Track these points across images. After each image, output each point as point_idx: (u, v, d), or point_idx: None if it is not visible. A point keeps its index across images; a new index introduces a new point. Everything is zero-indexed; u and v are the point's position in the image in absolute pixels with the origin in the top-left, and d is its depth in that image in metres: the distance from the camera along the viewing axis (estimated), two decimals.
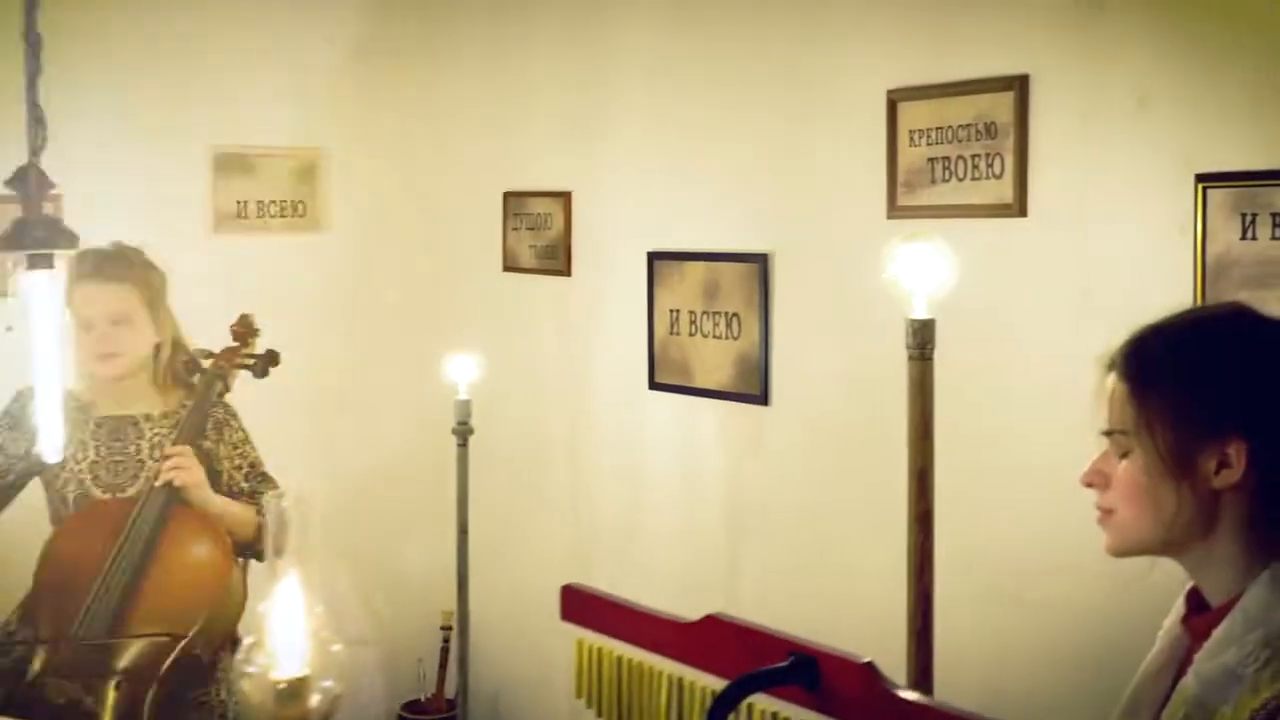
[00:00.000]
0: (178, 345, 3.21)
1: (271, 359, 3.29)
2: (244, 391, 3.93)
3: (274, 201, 4.57)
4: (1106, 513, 1.61)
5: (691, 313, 3.95)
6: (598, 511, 4.37)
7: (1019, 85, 3.00)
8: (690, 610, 3.99)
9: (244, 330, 3.33)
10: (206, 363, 3.22)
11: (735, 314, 3.79)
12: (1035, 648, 3.04)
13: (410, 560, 4.93)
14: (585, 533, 4.43)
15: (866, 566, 3.37)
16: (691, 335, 3.95)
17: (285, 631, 1.07)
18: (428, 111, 4.84)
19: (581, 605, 1.56)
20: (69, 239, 1.65)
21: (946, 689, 2.87)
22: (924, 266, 2.09)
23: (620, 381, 4.24)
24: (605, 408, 4.33)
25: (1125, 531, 1.59)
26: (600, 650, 1.56)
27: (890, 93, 3.30)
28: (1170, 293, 2.67)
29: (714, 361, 3.88)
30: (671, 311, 4.02)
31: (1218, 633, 1.49)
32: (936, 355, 3.13)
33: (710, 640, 1.37)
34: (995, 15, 3.09)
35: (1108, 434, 1.61)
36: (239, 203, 4.50)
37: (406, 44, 4.79)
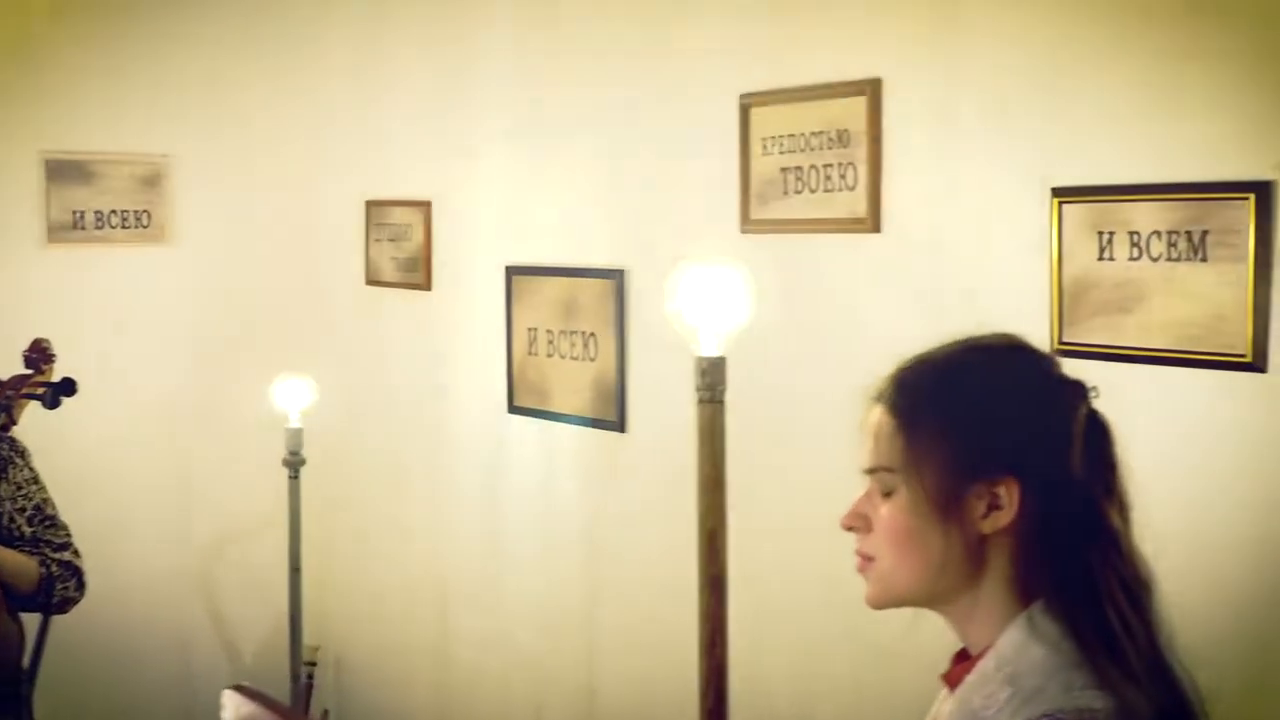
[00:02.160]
0: None
1: (65, 388, 3.00)
2: (86, 420, 3.66)
3: (115, 212, 4.26)
4: (867, 560, 1.43)
5: (549, 331, 3.69)
6: (458, 540, 4.11)
7: (871, 90, 2.76)
8: (555, 645, 3.75)
9: (38, 357, 3.04)
10: None
11: (592, 334, 3.54)
12: (897, 696, 2.81)
13: (280, 596, 4.64)
14: (446, 562, 4.17)
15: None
16: (549, 356, 3.69)
17: None
18: (286, 115, 4.54)
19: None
20: None
21: None
22: (714, 296, 1.83)
23: (481, 404, 3.98)
24: (465, 431, 4.07)
25: (889, 580, 1.41)
26: None
27: (743, 97, 3.06)
28: (1027, 318, 2.44)
29: (571, 384, 3.62)
30: (530, 330, 3.76)
31: (970, 678, 1.36)
32: (775, 386, 2.94)
33: None
34: (847, 14, 2.86)
35: (870, 471, 1.43)
36: (75, 213, 4.19)
37: (263, 45, 4.49)
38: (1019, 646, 1.32)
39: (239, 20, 4.43)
